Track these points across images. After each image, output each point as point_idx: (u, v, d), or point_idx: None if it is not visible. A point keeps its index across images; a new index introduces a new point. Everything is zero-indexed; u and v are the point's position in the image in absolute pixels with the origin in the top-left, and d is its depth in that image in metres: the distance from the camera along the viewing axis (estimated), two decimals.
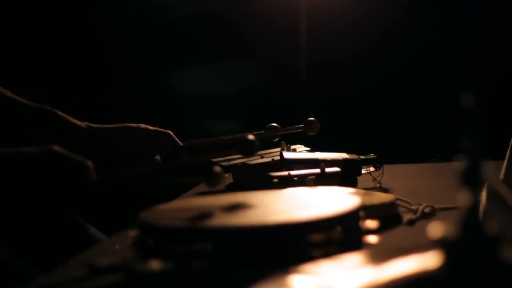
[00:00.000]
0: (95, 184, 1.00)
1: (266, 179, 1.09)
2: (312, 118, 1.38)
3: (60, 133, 1.18)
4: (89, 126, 1.22)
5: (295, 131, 1.38)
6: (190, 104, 3.09)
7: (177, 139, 1.26)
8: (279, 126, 1.39)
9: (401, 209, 0.97)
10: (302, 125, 1.39)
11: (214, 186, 0.92)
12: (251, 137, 1.05)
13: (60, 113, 1.19)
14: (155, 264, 0.57)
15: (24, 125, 1.18)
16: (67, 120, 1.20)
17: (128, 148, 1.23)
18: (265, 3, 2.96)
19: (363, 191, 1.02)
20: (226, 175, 1.15)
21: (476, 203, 0.42)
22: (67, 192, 1.06)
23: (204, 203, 0.78)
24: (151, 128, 1.25)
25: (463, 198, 0.41)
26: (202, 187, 1.45)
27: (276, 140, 1.40)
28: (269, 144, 1.48)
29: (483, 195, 0.72)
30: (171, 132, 1.27)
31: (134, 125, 1.25)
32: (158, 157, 1.29)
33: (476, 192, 0.41)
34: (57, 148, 0.95)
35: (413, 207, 0.97)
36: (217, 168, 0.95)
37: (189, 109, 3.09)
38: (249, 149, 1.06)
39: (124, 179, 1.19)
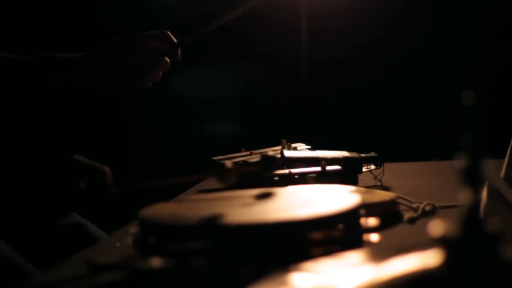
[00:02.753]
0: (112, 189, 1.02)
1: (267, 177, 1.09)
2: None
3: (62, 73, 1.16)
4: (89, 53, 1.19)
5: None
6: (190, 105, 3.09)
7: (172, 37, 1.22)
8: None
9: (402, 207, 0.97)
10: None
11: (225, 182, 0.93)
12: (270, 153, 1.08)
13: (58, 56, 1.17)
14: (155, 262, 0.57)
15: (25, 78, 1.16)
16: (64, 57, 1.17)
17: (127, 60, 1.18)
18: (265, 2, 2.96)
19: (364, 189, 1.02)
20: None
21: (477, 201, 0.42)
22: (86, 196, 1.08)
23: (204, 201, 0.78)
24: (143, 33, 1.20)
25: (463, 196, 0.41)
26: (202, 185, 1.45)
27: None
28: (269, 143, 1.48)
29: (484, 193, 0.72)
30: (167, 32, 1.22)
31: (127, 37, 1.20)
32: (159, 74, 1.24)
33: (476, 190, 0.41)
34: (77, 156, 1.01)
35: (414, 205, 0.97)
36: (228, 164, 0.96)
37: (189, 109, 3.09)
38: (269, 165, 1.08)
39: (137, 187, 1.18)
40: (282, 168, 1.15)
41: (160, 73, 1.22)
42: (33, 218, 1.21)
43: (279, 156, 1.09)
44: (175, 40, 1.20)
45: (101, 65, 1.15)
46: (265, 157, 1.06)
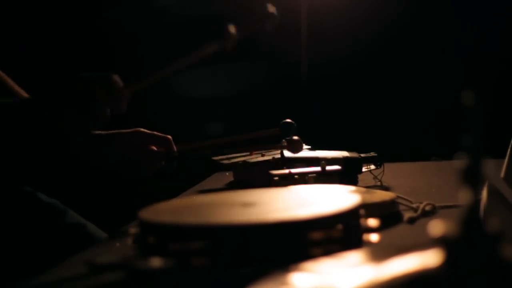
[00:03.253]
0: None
1: (267, 177, 1.09)
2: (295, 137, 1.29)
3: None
4: (93, 134, 1.22)
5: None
6: (190, 105, 3.09)
7: (174, 146, 1.24)
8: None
9: (401, 207, 0.97)
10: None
11: (228, 46, 0.96)
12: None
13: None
14: (155, 262, 0.57)
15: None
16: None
17: (125, 153, 1.21)
18: (265, 2, 2.96)
19: (364, 189, 1.02)
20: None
21: (477, 201, 0.42)
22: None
23: (204, 201, 0.78)
24: (148, 132, 1.23)
25: (463, 196, 0.41)
26: (202, 185, 1.45)
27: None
28: (270, 142, 1.48)
29: (484, 193, 0.72)
30: (170, 138, 1.25)
31: (130, 130, 1.23)
32: (162, 162, 1.26)
33: (476, 190, 0.41)
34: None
35: (414, 205, 0.97)
36: (232, 28, 0.98)
37: (189, 109, 3.09)
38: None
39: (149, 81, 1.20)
40: (282, 168, 1.15)
41: (151, 172, 1.24)
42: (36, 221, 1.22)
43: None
44: (175, 148, 1.23)
45: (100, 148, 1.18)
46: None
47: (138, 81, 1.14)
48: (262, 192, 0.80)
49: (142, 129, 1.22)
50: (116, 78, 1.08)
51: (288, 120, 1.24)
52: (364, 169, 1.26)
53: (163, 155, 1.21)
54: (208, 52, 1.12)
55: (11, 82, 1.21)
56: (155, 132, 1.23)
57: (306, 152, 1.35)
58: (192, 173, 1.52)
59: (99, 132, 1.21)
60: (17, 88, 1.20)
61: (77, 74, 1.07)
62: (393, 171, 1.40)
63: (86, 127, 1.07)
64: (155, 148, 1.20)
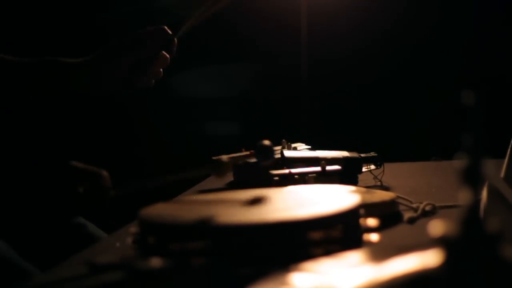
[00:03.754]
0: (111, 191, 1.03)
1: (267, 177, 1.09)
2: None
3: (68, 77, 1.17)
4: (93, 57, 1.20)
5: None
6: (190, 104, 3.09)
7: (169, 32, 1.22)
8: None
9: (401, 207, 0.97)
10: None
11: (221, 175, 0.93)
12: (266, 142, 1.04)
13: (61, 60, 1.17)
14: (155, 262, 0.57)
15: (28, 81, 1.16)
16: (70, 62, 1.18)
17: (127, 62, 1.19)
18: (265, 2, 2.96)
19: (364, 189, 1.02)
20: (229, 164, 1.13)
21: (477, 201, 0.42)
22: (86, 201, 1.09)
23: (204, 201, 0.78)
24: (140, 32, 1.21)
25: (463, 196, 0.41)
26: (202, 185, 1.45)
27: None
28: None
29: (484, 193, 0.72)
30: (165, 27, 1.23)
31: (127, 35, 1.21)
32: (161, 70, 1.24)
33: (476, 190, 0.41)
34: (74, 163, 1.02)
35: (414, 205, 0.97)
36: (224, 158, 0.96)
37: (189, 109, 3.09)
38: (266, 155, 1.06)
39: (137, 188, 1.18)
40: (280, 163, 1.15)
41: (161, 69, 1.22)
42: (35, 222, 1.22)
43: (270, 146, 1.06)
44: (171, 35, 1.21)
45: (100, 67, 1.16)
46: (259, 146, 1.02)
47: (127, 186, 1.13)
48: (262, 192, 0.80)
49: (132, 32, 1.20)
50: (105, 174, 1.08)
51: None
52: (364, 169, 1.26)
53: (162, 44, 1.19)
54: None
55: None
56: (147, 28, 1.21)
57: (306, 152, 1.35)
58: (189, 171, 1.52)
59: (98, 54, 1.19)
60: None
61: (67, 159, 1.07)
62: (393, 171, 1.40)
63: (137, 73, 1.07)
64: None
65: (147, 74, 1.21)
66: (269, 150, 0.97)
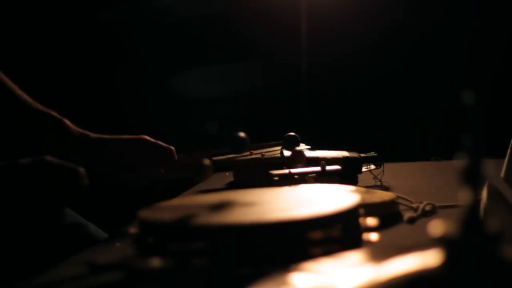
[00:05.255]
0: (88, 188, 1.03)
1: (267, 177, 1.09)
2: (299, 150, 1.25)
3: (64, 143, 1.18)
4: (95, 137, 1.21)
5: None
6: (190, 105, 3.09)
7: (175, 157, 1.24)
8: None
9: (401, 207, 0.97)
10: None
11: (202, 178, 0.94)
12: (242, 134, 1.06)
13: (68, 123, 1.19)
14: (155, 262, 0.57)
15: (30, 129, 1.18)
16: (74, 130, 1.19)
17: (130, 160, 1.21)
18: (265, 2, 2.96)
19: (364, 189, 1.02)
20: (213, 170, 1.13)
21: (477, 201, 0.42)
22: (61, 197, 1.09)
23: (204, 201, 0.78)
24: (152, 141, 1.23)
25: (463, 196, 0.41)
26: (202, 185, 1.45)
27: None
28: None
29: (484, 193, 0.72)
30: (173, 149, 1.24)
31: (139, 137, 1.22)
32: (162, 170, 1.26)
33: (476, 190, 0.41)
34: (49, 158, 1.00)
35: (414, 205, 0.97)
36: (206, 161, 0.96)
37: (189, 109, 3.09)
38: (240, 147, 1.07)
39: (117, 182, 1.19)
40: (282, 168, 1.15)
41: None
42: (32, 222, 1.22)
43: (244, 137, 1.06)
44: (176, 158, 1.23)
45: (101, 152, 1.18)
46: (235, 137, 1.03)
47: (103, 183, 1.13)
48: (262, 192, 0.80)
49: (146, 137, 1.22)
50: (82, 172, 1.05)
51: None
52: (364, 169, 1.25)
53: (163, 164, 1.20)
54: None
55: (12, 85, 1.21)
56: (159, 142, 1.22)
57: (306, 152, 1.35)
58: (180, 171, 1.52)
59: (102, 136, 1.21)
60: (18, 91, 1.21)
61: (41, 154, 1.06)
62: (393, 171, 1.40)
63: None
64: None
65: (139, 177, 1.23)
66: (244, 142, 1.00)
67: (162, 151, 1.21)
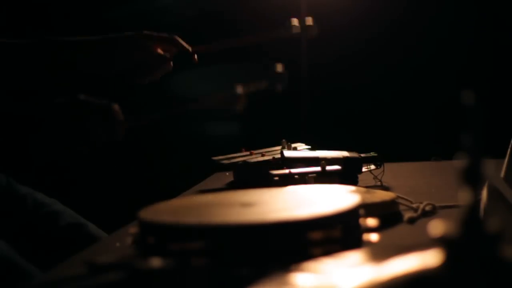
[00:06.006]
0: (124, 123, 1.04)
1: (267, 177, 1.09)
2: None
3: (59, 58, 1.17)
4: (87, 40, 1.20)
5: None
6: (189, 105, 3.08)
7: (184, 43, 1.22)
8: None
9: (402, 207, 0.97)
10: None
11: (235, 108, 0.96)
12: (279, 67, 1.12)
13: (53, 38, 1.18)
14: (155, 262, 0.57)
15: (24, 61, 1.17)
16: (70, 41, 1.18)
17: (134, 57, 1.19)
18: (265, 2, 2.96)
19: (364, 189, 1.02)
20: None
21: (477, 201, 0.42)
22: (99, 134, 1.09)
23: (204, 201, 0.78)
24: (155, 34, 1.21)
25: (463, 196, 0.41)
26: (202, 185, 1.45)
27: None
28: (270, 142, 1.48)
29: (484, 193, 0.72)
30: (177, 37, 1.23)
31: (135, 33, 1.20)
32: (171, 63, 1.24)
33: (476, 190, 0.41)
34: (82, 96, 1.02)
35: (414, 205, 0.97)
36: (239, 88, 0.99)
37: (188, 110, 3.09)
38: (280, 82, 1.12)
39: (148, 119, 1.18)
40: (282, 168, 1.15)
41: (160, 75, 1.23)
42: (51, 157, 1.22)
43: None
44: (185, 45, 1.21)
45: (108, 52, 1.16)
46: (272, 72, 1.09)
47: (138, 118, 1.13)
48: (262, 192, 0.80)
49: (145, 31, 1.20)
50: (116, 108, 1.06)
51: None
52: (364, 169, 1.25)
53: (171, 55, 1.19)
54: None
55: None
56: (161, 34, 1.21)
57: (306, 152, 1.35)
58: (192, 173, 1.52)
59: (94, 37, 1.19)
60: None
61: (76, 94, 1.06)
62: (393, 171, 1.40)
63: (73, 147, 1.07)
64: (161, 52, 1.18)
65: (145, 75, 1.21)
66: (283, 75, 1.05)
67: (167, 40, 1.20)
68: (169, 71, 1.22)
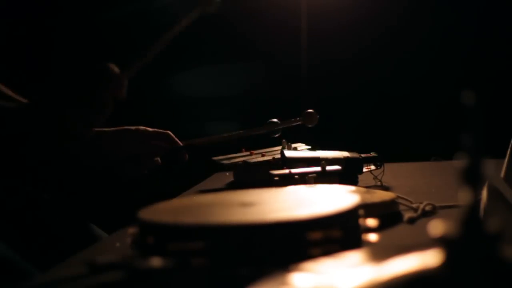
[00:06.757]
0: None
1: (267, 177, 1.09)
2: (310, 110, 1.42)
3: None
4: (94, 131, 1.22)
5: (294, 123, 1.39)
6: (190, 105, 3.09)
7: (176, 139, 1.27)
8: (279, 121, 1.40)
9: (402, 207, 0.97)
10: (300, 117, 1.40)
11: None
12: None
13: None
14: (155, 262, 0.57)
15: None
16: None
17: (128, 150, 1.23)
18: (265, 2, 2.96)
19: (364, 189, 1.02)
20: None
21: (477, 201, 0.42)
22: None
23: (204, 201, 0.78)
24: (150, 129, 1.25)
25: (463, 196, 0.41)
26: (202, 185, 1.45)
27: (277, 135, 1.40)
28: (270, 142, 1.48)
29: (484, 193, 0.72)
30: (170, 133, 1.27)
31: (133, 128, 1.25)
32: (158, 159, 1.29)
33: (476, 190, 0.41)
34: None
35: (414, 205, 0.97)
36: None
37: (189, 110, 3.09)
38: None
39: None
40: (282, 168, 1.15)
41: (146, 169, 1.27)
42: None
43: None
44: (178, 142, 1.25)
45: (102, 147, 1.19)
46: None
47: (133, 64, 1.15)
48: (262, 192, 0.80)
49: (143, 127, 1.24)
50: (112, 66, 1.09)
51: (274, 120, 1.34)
52: (364, 169, 1.25)
53: (164, 150, 1.23)
54: (194, 17, 1.17)
55: (10, 92, 1.21)
56: (156, 129, 1.24)
57: (306, 152, 1.35)
58: (192, 173, 1.52)
59: (103, 129, 1.21)
60: (16, 97, 1.20)
61: (73, 69, 1.08)
62: (393, 171, 1.40)
63: (91, 120, 1.08)
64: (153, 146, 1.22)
65: (140, 167, 1.26)
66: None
67: (160, 136, 1.23)
68: (156, 166, 1.26)
